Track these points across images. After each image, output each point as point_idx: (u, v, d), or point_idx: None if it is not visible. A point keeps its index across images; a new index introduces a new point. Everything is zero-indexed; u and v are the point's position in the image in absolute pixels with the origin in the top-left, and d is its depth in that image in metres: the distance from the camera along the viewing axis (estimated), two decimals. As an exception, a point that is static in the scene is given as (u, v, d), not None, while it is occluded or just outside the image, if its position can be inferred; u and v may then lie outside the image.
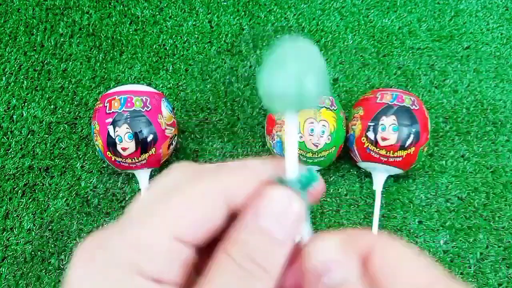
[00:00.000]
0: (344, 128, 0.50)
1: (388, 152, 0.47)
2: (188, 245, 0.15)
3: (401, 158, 0.47)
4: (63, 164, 0.54)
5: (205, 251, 0.17)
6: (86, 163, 0.54)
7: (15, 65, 0.60)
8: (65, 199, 0.52)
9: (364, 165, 0.50)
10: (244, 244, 0.15)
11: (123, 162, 0.47)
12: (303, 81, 0.16)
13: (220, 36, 0.62)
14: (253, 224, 0.16)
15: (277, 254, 0.16)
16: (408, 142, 0.47)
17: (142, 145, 0.46)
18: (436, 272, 0.16)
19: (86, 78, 0.59)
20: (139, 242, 0.14)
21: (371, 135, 0.48)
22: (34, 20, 0.63)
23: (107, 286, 0.14)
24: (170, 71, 0.59)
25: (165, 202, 0.15)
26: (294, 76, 0.16)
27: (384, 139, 0.47)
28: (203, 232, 0.15)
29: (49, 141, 0.55)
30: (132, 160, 0.47)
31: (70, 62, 0.60)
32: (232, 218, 0.16)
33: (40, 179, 0.53)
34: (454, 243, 0.50)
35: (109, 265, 0.14)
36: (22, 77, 0.59)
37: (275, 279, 0.16)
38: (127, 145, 0.46)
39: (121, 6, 0.64)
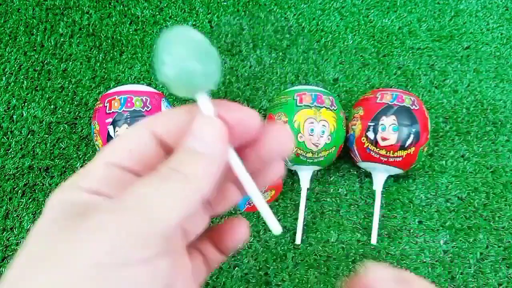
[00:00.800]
0: (344, 128, 0.50)
1: (388, 152, 0.47)
2: (123, 168, 0.19)
3: (401, 158, 0.47)
4: (63, 164, 0.54)
5: None
6: (86, 163, 0.54)
7: (15, 65, 0.60)
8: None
9: (364, 165, 0.50)
10: (169, 161, 0.18)
11: (123, 162, 0.47)
12: (187, 62, 0.18)
13: (220, 36, 0.62)
14: (179, 146, 0.19)
15: (200, 163, 0.18)
16: (408, 142, 0.47)
17: (142, 145, 0.46)
18: None
19: (86, 78, 0.59)
20: (82, 171, 0.19)
21: (371, 135, 0.48)
22: (34, 20, 0.63)
23: (61, 201, 0.18)
24: (170, 71, 0.59)
25: (100, 149, 0.20)
26: (178, 58, 0.18)
27: (384, 139, 0.47)
28: (133, 157, 0.19)
29: (49, 141, 0.55)
30: (132, 160, 0.47)
31: (70, 62, 0.60)
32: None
33: (40, 179, 0.53)
34: (454, 243, 0.50)
35: (60, 190, 0.19)
36: (22, 77, 0.59)
37: (198, 189, 0.18)
38: (127, 145, 0.46)
39: (121, 6, 0.64)
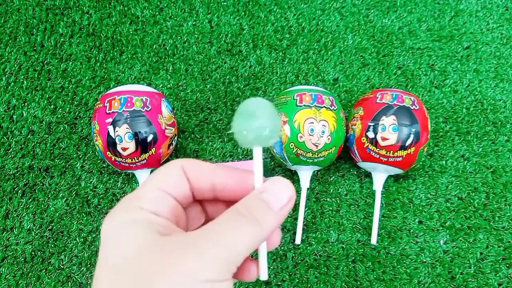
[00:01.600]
0: (344, 128, 0.50)
1: (388, 152, 0.47)
2: (171, 195, 0.22)
3: (401, 158, 0.47)
4: (63, 164, 0.54)
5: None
6: (86, 163, 0.54)
7: (15, 65, 0.60)
8: (65, 199, 0.52)
9: (364, 165, 0.50)
10: (246, 202, 0.22)
11: (123, 162, 0.47)
12: (262, 129, 0.24)
13: (220, 36, 0.62)
14: (256, 195, 0.22)
15: (271, 219, 0.22)
16: (408, 142, 0.47)
17: (142, 145, 0.46)
18: None
19: (86, 78, 0.59)
20: (138, 194, 0.22)
21: (371, 135, 0.48)
22: (34, 20, 0.63)
23: (123, 219, 0.21)
24: (170, 71, 0.59)
25: (150, 176, 0.23)
26: (255, 125, 0.24)
27: (384, 139, 0.47)
28: (178, 189, 0.23)
29: (49, 141, 0.55)
30: (132, 160, 0.47)
31: (70, 62, 0.60)
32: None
33: (40, 179, 0.53)
34: (454, 243, 0.50)
35: (122, 210, 0.21)
36: (22, 77, 0.59)
37: (264, 237, 0.22)
38: (127, 145, 0.46)
39: (121, 6, 0.64)
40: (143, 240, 0.20)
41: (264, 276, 0.25)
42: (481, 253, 0.50)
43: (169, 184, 0.22)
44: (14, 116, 0.57)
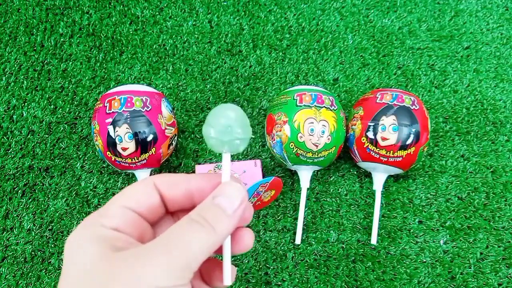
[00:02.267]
0: (344, 128, 0.50)
1: (388, 152, 0.47)
2: (136, 213, 0.23)
3: (401, 158, 0.47)
4: (63, 164, 0.54)
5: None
6: (86, 163, 0.54)
7: (15, 65, 0.60)
8: (65, 199, 0.52)
9: (364, 165, 0.50)
10: (199, 209, 0.23)
11: (123, 162, 0.47)
12: (230, 132, 0.24)
13: (220, 36, 0.62)
14: (209, 201, 0.23)
15: (225, 222, 0.23)
16: (408, 142, 0.47)
17: (142, 145, 0.46)
18: None
19: (86, 78, 0.59)
20: (100, 212, 0.23)
21: (371, 135, 0.48)
22: (34, 20, 0.63)
23: (83, 235, 0.22)
24: (170, 71, 0.59)
25: (116, 194, 0.24)
26: (224, 128, 0.24)
27: (384, 139, 0.47)
28: (143, 204, 0.24)
29: (49, 141, 0.55)
30: (132, 160, 0.47)
31: (70, 62, 0.60)
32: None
33: (40, 179, 0.53)
34: (454, 243, 0.50)
35: (84, 227, 0.22)
36: (22, 77, 0.59)
37: (219, 240, 0.22)
38: (127, 145, 0.46)
39: (121, 6, 0.64)
40: (98, 254, 0.21)
41: (227, 281, 0.25)
42: (481, 253, 0.50)
43: (133, 201, 0.24)
44: (14, 116, 0.57)
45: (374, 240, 0.49)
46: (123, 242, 0.22)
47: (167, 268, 0.20)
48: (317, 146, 0.47)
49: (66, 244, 0.22)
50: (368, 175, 0.53)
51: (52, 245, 0.50)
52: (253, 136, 0.47)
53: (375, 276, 0.49)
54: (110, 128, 0.45)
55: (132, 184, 0.24)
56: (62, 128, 0.56)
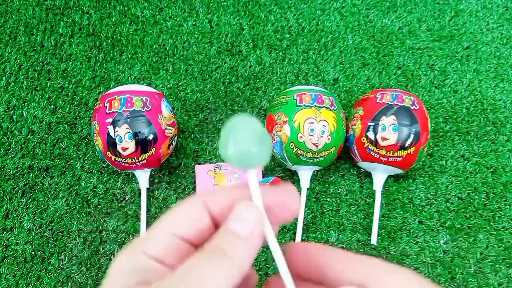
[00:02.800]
0: (344, 128, 0.50)
1: (388, 152, 0.47)
2: (183, 239, 0.22)
3: (401, 158, 0.47)
4: (63, 164, 0.54)
5: None
6: (86, 163, 0.54)
7: (15, 65, 0.60)
8: (65, 199, 0.52)
9: (364, 165, 0.50)
10: (215, 237, 0.21)
11: (123, 162, 0.47)
12: (248, 147, 0.22)
13: (220, 36, 0.62)
14: (224, 226, 0.22)
15: (241, 247, 0.21)
16: (408, 142, 0.47)
17: (142, 145, 0.46)
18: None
19: (86, 78, 0.59)
20: (147, 237, 0.22)
21: (371, 135, 0.48)
22: (34, 20, 0.63)
23: (126, 265, 0.21)
24: (170, 71, 0.59)
25: (164, 216, 0.23)
26: (242, 144, 0.22)
27: (384, 139, 0.47)
28: (192, 229, 0.22)
29: (49, 141, 0.55)
30: (132, 160, 0.47)
31: (70, 62, 0.60)
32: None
33: (40, 179, 0.53)
34: (454, 243, 0.50)
35: (126, 252, 0.21)
36: (22, 77, 0.59)
37: (239, 267, 0.21)
38: (127, 145, 0.46)
39: (121, 6, 0.64)
40: (121, 282, 0.20)
41: None
42: (481, 253, 0.50)
43: (182, 226, 0.22)
44: (14, 116, 0.57)
45: (374, 240, 0.49)
46: (156, 275, 0.21)
47: None
48: (317, 146, 0.47)
49: (110, 269, 0.21)
50: (368, 175, 0.53)
51: (52, 245, 0.50)
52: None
53: (375, 276, 0.49)
54: (110, 128, 0.45)
55: (180, 205, 0.23)
56: (62, 128, 0.56)
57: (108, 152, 0.46)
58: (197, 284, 0.20)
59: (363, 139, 0.48)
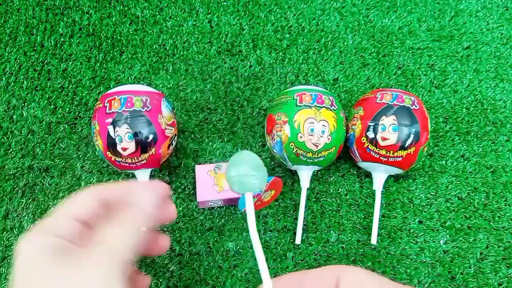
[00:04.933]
0: (344, 128, 0.50)
1: (388, 152, 0.47)
2: (80, 221, 0.27)
3: (401, 158, 0.47)
4: (63, 164, 0.54)
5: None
6: (86, 163, 0.54)
7: (15, 65, 0.60)
8: (65, 199, 0.52)
9: (364, 165, 0.50)
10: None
11: (123, 162, 0.47)
12: (250, 176, 0.29)
13: (220, 36, 0.62)
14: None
15: (138, 213, 0.27)
16: (408, 142, 0.47)
17: (142, 145, 0.46)
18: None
19: (86, 78, 0.59)
20: (45, 220, 0.27)
21: (371, 135, 0.48)
22: (34, 20, 0.63)
23: (39, 244, 0.25)
24: (170, 71, 0.59)
25: (63, 203, 0.28)
26: (245, 173, 0.29)
27: (384, 139, 0.47)
28: (84, 211, 0.28)
29: (49, 141, 0.55)
30: (132, 160, 0.47)
31: (70, 62, 0.60)
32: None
33: (40, 179, 0.53)
34: (454, 243, 0.50)
35: (40, 234, 0.26)
36: (22, 77, 0.59)
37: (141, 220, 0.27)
38: (127, 145, 0.46)
39: (121, 6, 0.64)
40: (38, 259, 0.24)
41: (267, 285, 0.26)
42: (481, 253, 0.50)
43: (78, 210, 0.27)
44: (14, 116, 0.57)
45: (374, 240, 0.49)
46: (68, 252, 0.25)
47: (106, 268, 0.24)
48: (317, 146, 0.47)
49: (20, 250, 0.24)
50: (368, 175, 0.53)
51: (52, 245, 0.50)
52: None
53: (375, 276, 0.49)
54: (110, 128, 0.45)
55: (76, 194, 0.28)
56: (62, 128, 0.56)
57: (108, 152, 0.46)
58: (116, 253, 0.25)
59: (363, 139, 0.48)
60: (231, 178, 0.29)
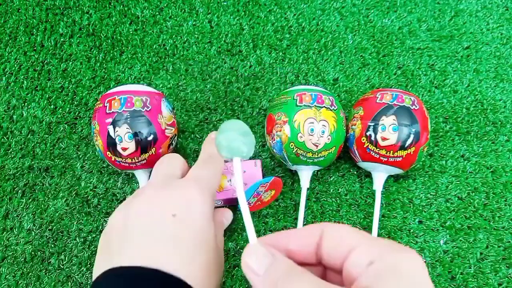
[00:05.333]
0: (344, 128, 0.50)
1: (388, 152, 0.47)
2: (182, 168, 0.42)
3: (401, 158, 0.47)
4: (63, 164, 0.54)
5: None
6: (86, 163, 0.54)
7: (15, 65, 0.60)
8: (65, 199, 0.52)
9: (364, 165, 0.50)
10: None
11: (123, 162, 0.47)
12: (238, 141, 0.29)
13: (220, 36, 0.62)
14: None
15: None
16: (408, 142, 0.47)
17: (142, 145, 0.46)
18: (363, 235, 0.24)
19: (86, 78, 0.59)
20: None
21: (371, 135, 0.48)
22: (34, 20, 0.63)
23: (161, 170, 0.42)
24: (170, 71, 0.59)
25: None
26: (233, 138, 0.29)
27: (384, 139, 0.47)
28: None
29: (49, 141, 0.55)
30: (132, 160, 0.47)
31: (70, 62, 0.60)
32: None
33: (40, 179, 0.53)
34: (454, 243, 0.50)
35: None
36: (22, 77, 0.59)
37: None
38: (127, 145, 0.46)
39: (121, 6, 0.64)
40: (158, 179, 0.39)
41: (252, 241, 0.26)
42: (481, 253, 0.50)
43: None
44: (14, 116, 0.57)
45: (374, 240, 0.49)
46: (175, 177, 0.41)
47: (192, 189, 0.37)
48: (317, 146, 0.47)
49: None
50: (368, 175, 0.53)
51: (52, 245, 0.50)
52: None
53: (375, 276, 0.49)
54: (110, 128, 0.45)
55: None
56: (62, 128, 0.56)
57: (108, 152, 0.46)
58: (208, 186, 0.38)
59: (363, 139, 0.48)
60: (220, 143, 0.30)
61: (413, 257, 0.22)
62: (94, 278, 0.31)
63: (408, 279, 0.21)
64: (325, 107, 0.48)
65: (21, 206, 0.52)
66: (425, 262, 0.49)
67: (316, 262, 0.25)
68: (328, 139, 0.47)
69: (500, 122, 0.57)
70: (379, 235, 0.50)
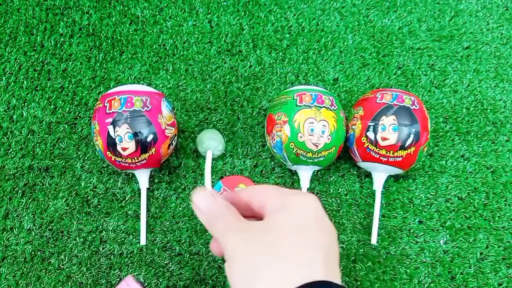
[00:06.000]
0: (344, 128, 0.50)
1: (388, 152, 0.47)
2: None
3: (401, 158, 0.47)
4: (63, 164, 0.54)
5: None
6: (86, 163, 0.54)
7: (15, 65, 0.60)
8: (65, 199, 0.52)
9: (364, 165, 0.50)
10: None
11: (123, 162, 0.47)
12: (211, 144, 0.49)
13: (220, 36, 0.62)
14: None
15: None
16: (408, 142, 0.47)
17: (142, 145, 0.46)
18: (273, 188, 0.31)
19: (86, 78, 0.59)
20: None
21: (371, 135, 0.48)
22: (34, 20, 0.63)
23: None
24: (170, 71, 0.59)
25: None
26: (206, 142, 0.48)
27: (384, 139, 0.47)
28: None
29: (49, 141, 0.55)
30: (132, 160, 0.47)
31: (70, 62, 0.60)
32: None
33: (40, 179, 0.53)
34: (454, 243, 0.50)
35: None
36: (22, 77, 0.59)
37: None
38: (127, 145, 0.46)
39: (121, 6, 0.64)
40: None
41: (207, 185, 0.36)
42: (481, 253, 0.50)
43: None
44: (14, 116, 0.57)
45: (374, 240, 0.49)
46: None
47: None
48: (317, 146, 0.47)
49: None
50: (368, 175, 0.53)
51: (52, 245, 0.50)
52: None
53: (375, 276, 0.49)
54: (110, 128, 0.45)
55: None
56: (62, 128, 0.56)
57: (108, 152, 0.46)
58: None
59: (363, 139, 0.48)
60: (199, 146, 0.47)
61: (305, 200, 0.29)
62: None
63: (297, 214, 0.28)
64: (325, 107, 0.48)
65: (21, 206, 0.52)
66: (425, 261, 0.49)
67: (254, 214, 0.31)
68: (328, 139, 0.47)
69: (500, 122, 0.57)
70: (379, 235, 0.50)
